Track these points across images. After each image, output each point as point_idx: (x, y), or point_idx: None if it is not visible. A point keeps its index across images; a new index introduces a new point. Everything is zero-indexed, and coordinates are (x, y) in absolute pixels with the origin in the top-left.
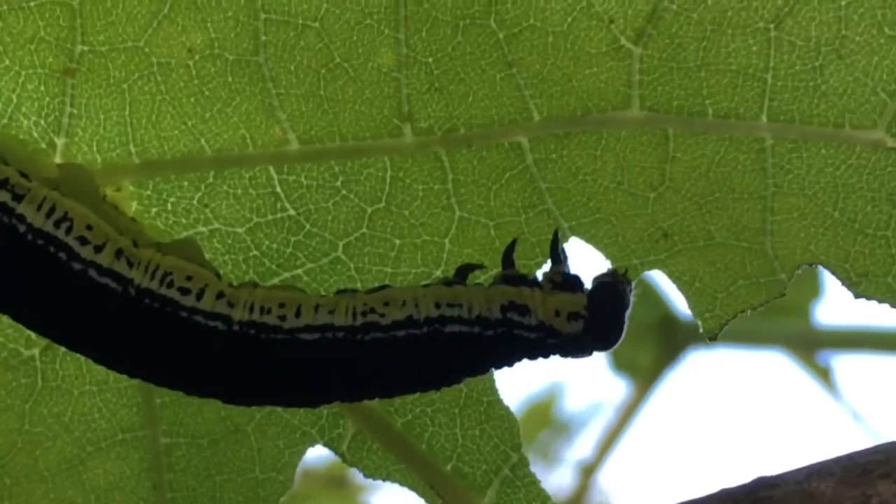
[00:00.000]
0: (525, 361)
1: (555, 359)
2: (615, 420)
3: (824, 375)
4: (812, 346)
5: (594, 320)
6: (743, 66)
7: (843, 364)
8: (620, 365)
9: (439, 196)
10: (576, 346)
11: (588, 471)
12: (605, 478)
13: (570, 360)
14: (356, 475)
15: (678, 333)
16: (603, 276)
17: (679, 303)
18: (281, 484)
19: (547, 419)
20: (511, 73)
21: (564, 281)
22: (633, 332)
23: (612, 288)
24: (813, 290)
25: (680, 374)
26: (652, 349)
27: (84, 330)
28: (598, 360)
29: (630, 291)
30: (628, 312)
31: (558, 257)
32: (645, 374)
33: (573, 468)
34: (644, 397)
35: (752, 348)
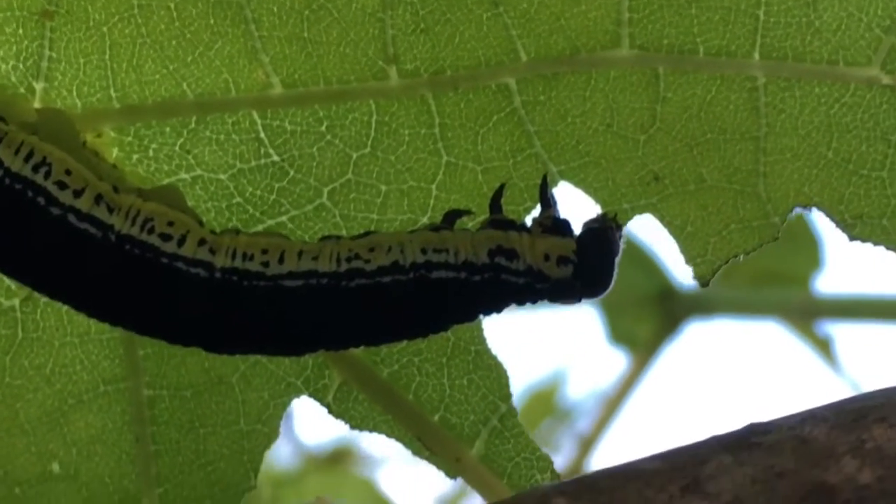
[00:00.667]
0: (513, 307)
1: (542, 304)
2: (614, 392)
3: (824, 347)
4: (812, 316)
5: (583, 265)
6: (735, 1)
7: (844, 334)
8: (619, 337)
9: (426, 141)
10: (565, 292)
11: (586, 444)
12: (604, 450)
13: (558, 306)
14: (359, 455)
15: (677, 305)
16: (592, 220)
17: (677, 273)
18: (266, 436)
19: (549, 407)
20: (498, 13)
21: (554, 225)
22: (632, 304)
23: (601, 233)
24: (813, 261)
25: (679, 346)
26: (650, 321)
27: (63, 277)
28: (601, 345)
29: (620, 237)
30: (618, 258)
31: (547, 202)
32: (643, 346)
33: (572, 441)
34: (643, 370)
35: (752, 319)
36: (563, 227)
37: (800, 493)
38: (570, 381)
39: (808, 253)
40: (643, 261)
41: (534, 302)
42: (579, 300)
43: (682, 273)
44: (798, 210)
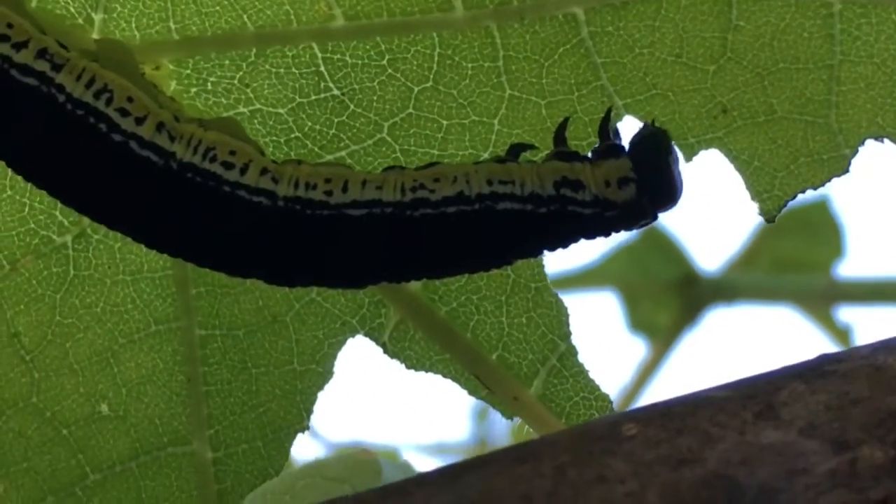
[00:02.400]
0: (581, 242)
1: (617, 236)
2: (633, 381)
3: (843, 335)
4: (833, 301)
5: (644, 179)
6: None
7: (865, 319)
8: (638, 325)
9: (489, 74)
10: (635, 213)
11: None
12: None
13: (636, 230)
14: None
15: (698, 291)
16: (636, 135)
17: (699, 259)
18: (320, 376)
19: None
20: None
21: (607, 150)
22: (652, 291)
23: (649, 141)
24: (835, 248)
25: (700, 333)
26: (671, 308)
27: (124, 206)
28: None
29: (670, 139)
30: (676, 161)
31: (607, 134)
32: (664, 333)
33: None
34: (663, 357)
35: (773, 305)
36: (616, 149)
37: (874, 420)
38: None
39: (831, 240)
40: (664, 247)
41: (606, 234)
42: (655, 217)
43: (703, 258)
44: (870, 140)
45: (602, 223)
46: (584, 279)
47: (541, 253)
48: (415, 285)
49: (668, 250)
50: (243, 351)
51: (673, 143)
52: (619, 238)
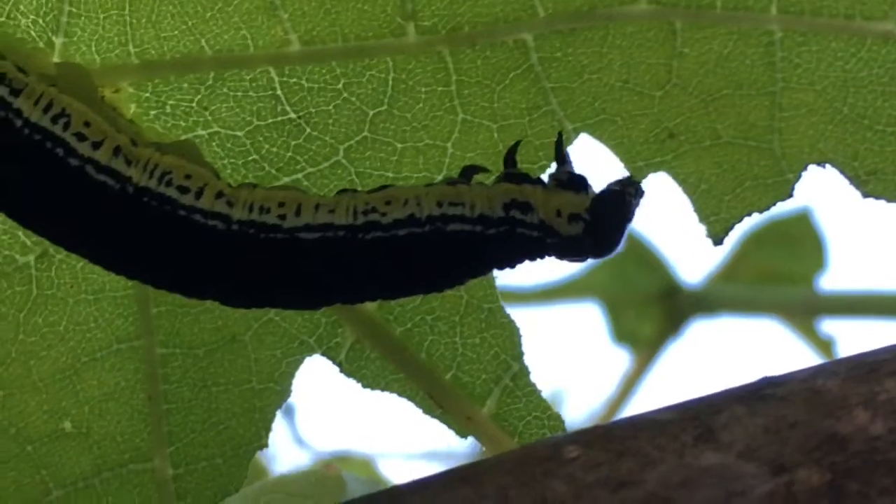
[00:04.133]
0: (526, 263)
1: (550, 260)
2: (616, 392)
3: (826, 347)
4: (815, 314)
5: (595, 224)
6: None
7: (847, 331)
8: (622, 336)
9: (442, 98)
10: (573, 249)
11: None
12: None
13: (565, 263)
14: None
15: (681, 303)
16: (614, 182)
17: (681, 270)
18: (278, 394)
19: None
20: None
21: (569, 180)
22: (635, 302)
23: (618, 195)
24: (817, 261)
25: (682, 345)
26: (654, 319)
27: (81, 229)
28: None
29: (637, 202)
30: (631, 223)
31: (564, 157)
32: (647, 344)
33: None
34: (646, 368)
35: (756, 317)
36: (578, 182)
37: (811, 443)
38: (570, 400)
39: (813, 253)
40: (647, 258)
41: (542, 257)
42: (585, 259)
43: (685, 270)
44: (812, 167)
45: (541, 247)
46: (567, 290)
47: (490, 272)
48: (370, 306)
49: (652, 262)
50: (203, 369)
51: (638, 206)
52: None
